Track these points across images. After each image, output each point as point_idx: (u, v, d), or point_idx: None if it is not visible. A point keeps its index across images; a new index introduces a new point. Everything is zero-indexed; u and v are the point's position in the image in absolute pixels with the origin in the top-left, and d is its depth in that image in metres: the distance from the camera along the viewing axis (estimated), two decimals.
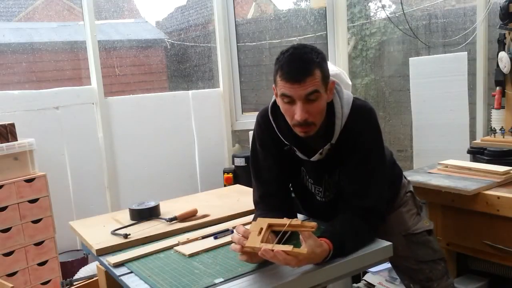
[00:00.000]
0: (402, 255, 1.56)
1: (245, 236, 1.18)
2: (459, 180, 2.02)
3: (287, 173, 1.52)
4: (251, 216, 1.56)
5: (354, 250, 1.30)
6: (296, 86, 1.26)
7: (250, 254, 1.18)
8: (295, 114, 1.29)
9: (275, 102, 1.43)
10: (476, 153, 2.41)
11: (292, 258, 1.10)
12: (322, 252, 1.19)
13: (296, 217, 1.56)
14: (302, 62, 1.27)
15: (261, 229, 1.16)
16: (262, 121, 1.50)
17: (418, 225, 1.61)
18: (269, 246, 1.12)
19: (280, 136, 1.44)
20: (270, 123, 1.45)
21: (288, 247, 1.10)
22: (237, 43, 3.37)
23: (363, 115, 1.39)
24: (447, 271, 1.61)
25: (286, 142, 1.43)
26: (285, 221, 1.15)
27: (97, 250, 1.44)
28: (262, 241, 1.15)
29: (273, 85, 1.38)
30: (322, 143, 1.38)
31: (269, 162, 1.50)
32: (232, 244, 1.20)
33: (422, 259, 1.58)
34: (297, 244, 1.17)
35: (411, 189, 1.70)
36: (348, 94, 1.42)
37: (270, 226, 1.17)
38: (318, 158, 1.40)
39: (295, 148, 1.43)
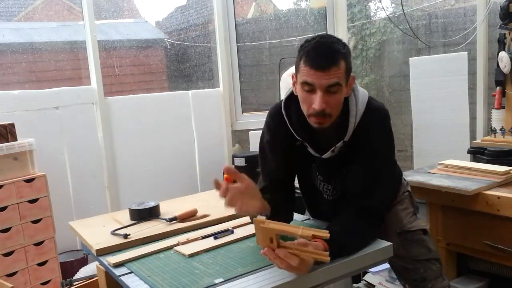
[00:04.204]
0: (397, 254, 1.55)
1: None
2: (459, 180, 2.02)
3: (294, 171, 1.51)
4: None
5: (354, 250, 1.29)
6: (320, 74, 1.25)
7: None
8: (314, 103, 1.27)
9: (289, 96, 1.42)
10: (476, 153, 2.41)
11: (297, 260, 1.10)
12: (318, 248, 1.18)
13: (292, 216, 1.55)
14: (329, 50, 1.26)
15: (271, 238, 1.13)
16: (275, 115, 1.47)
17: (414, 224, 1.60)
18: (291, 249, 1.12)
19: (292, 131, 1.42)
20: (283, 118, 1.43)
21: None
22: (237, 43, 3.37)
23: (377, 116, 1.38)
24: (442, 274, 1.60)
25: (298, 138, 1.42)
26: (296, 229, 1.11)
27: (97, 250, 1.44)
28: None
29: (292, 74, 1.36)
30: (334, 140, 1.37)
31: (278, 157, 1.48)
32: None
33: (416, 258, 1.57)
34: None
35: (409, 189, 1.70)
36: (363, 92, 1.41)
37: (278, 235, 1.13)
38: (330, 156, 1.39)
39: (307, 144, 1.42)
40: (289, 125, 1.42)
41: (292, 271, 1.15)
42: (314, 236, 1.10)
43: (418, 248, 1.58)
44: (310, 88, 1.28)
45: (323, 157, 1.40)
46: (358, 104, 1.36)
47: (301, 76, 1.29)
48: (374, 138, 1.37)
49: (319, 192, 1.55)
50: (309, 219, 1.65)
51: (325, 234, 1.11)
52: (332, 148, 1.37)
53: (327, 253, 1.12)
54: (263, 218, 1.24)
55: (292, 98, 1.41)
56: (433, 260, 1.58)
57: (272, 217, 1.30)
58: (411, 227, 1.59)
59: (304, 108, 1.33)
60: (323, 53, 1.26)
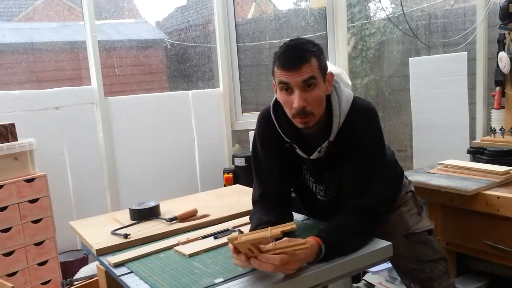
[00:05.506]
0: (403, 255, 1.56)
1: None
2: (459, 180, 2.02)
3: (288, 173, 1.52)
4: None
5: (351, 249, 1.29)
6: (292, 73, 1.29)
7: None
8: (293, 102, 1.30)
9: (276, 99, 1.44)
10: (476, 153, 2.41)
11: (278, 258, 1.11)
12: (312, 247, 1.19)
13: (292, 218, 1.56)
14: (298, 51, 1.30)
15: (250, 249, 1.14)
16: (263, 120, 1.51)
17: (419, 225, 1.61)
18: (269, 246, 1.13)
19: (281, 133, 1.44)
20: (272, 121, 1.45)
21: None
22: (237, 43, 3.37)
23: (364, 115, 1.39)
24: (447, 271, 1.61)
25: (287, 140, 1.43)
26: (266, 232, 1.13)
27: (97, 250, 1.44)
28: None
29: (273, 81, 1.38)
30: (320, 141, 1.38)
31: (270, 161, 1.50)
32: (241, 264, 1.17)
33: (423, 259, 1.58)
34: None
35: (412, 189, 1.70)
36: (348, 93, 1.42)
37: (254, 244, 1.14)
38: (317, 156, 1.40)
39: (295, 146, 1.43)
40: (277, 127, 1.44)
41: (282, 270, 1.15)
42: (282, 232, 1.13)
43: (424, 249, 1.59)
44: (286, 86, 1.31)
45: (310, 158, 1.41)
46: (342, 104, 1.37)
47: (277, 77, 1.33)
48: (363, 137, 1.38)
49: (312, 193, 1.56)
50: (308, 219, 1.66)
51: (291, 226, 1.13)
52: (318, 149, 1.38)
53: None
54: (235, 234, 1.28)
55: (279, 102, 1.43)
56: (439, 260, 1.60)
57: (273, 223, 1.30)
58: (417, 229, 1.60)
59: (287, 111, 1.36)
60: (292, 54, 1.30)
